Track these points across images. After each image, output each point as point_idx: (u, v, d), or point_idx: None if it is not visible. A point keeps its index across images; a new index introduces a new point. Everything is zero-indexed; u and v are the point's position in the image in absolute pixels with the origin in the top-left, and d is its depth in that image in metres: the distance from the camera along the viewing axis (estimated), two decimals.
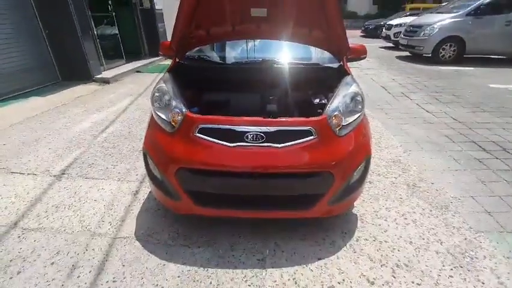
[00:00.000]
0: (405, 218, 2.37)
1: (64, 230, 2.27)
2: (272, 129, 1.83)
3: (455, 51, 8.64)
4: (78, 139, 3.87)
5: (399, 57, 10.11)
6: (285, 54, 2.73)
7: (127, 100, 5.53)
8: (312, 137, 1.85)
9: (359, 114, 2.04)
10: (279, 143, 1.83)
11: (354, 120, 2.00)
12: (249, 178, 1.83)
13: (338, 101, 2.02)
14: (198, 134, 1.87)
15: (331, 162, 1.83)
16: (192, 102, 2.31)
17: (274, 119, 1.85)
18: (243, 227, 2.26)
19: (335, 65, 2.50)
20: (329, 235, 2.20)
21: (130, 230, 2.27)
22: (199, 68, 2.59)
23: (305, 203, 1.95)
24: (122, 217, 2.42)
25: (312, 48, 2.75)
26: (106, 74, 7.22)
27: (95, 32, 7.05)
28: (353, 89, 2.12)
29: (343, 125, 1.94)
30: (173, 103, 2.01)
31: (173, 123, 1.95)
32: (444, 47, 8.64)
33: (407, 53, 10.53)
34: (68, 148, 3.62)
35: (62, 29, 6.26)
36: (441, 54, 8.75)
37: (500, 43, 8.29)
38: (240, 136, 1.83)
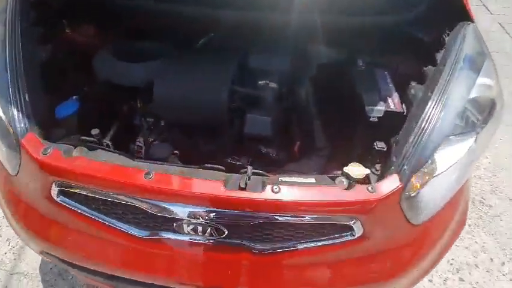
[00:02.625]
0: None
1: None
2: (250, 215, 0.70)
3: None
4: None
5: None
6: None
7: None
8: (351, 238, 0.73)
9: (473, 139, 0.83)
10: (264, 245, 0.74)
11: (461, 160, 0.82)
12: None
13: (447, 120, 0.78)
14: (60, 199, 0.75)
15: None
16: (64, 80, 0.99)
17: (262, 188, 0.69)
18: None
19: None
20: None
21: None
22: None
23: None
24: None
25: None
26: None
27: None
28: (484, 81, 0.82)
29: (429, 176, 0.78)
30: None
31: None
32: None
33: None
34: None
35: None
36: None
37: None
38: (167, 218, 0.72)
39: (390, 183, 0.71)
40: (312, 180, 0.72)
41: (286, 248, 0.75)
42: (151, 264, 0.77)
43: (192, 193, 0.67)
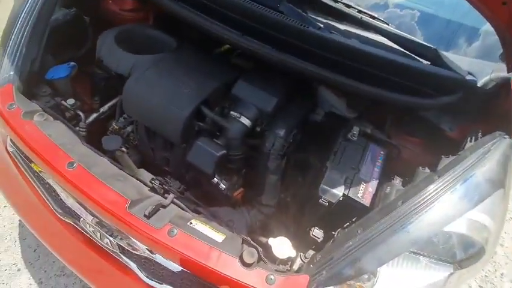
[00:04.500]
0: None
1: None
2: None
3: None
4: None
5: None
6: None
7: None
8: None
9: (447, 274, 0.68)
10: (150, 277, 0.71)
11: None
12: None
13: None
14: (11, 150, 0.83)
15: None
16: None
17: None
18: None
19: (483, 83, 0.79)
20: None
21: None
22: None
23: None
24: None
25: None
26: None
27: None
28: (479, 218, 0.64)
29: None
30: None
31: None
32: None
33: None
34: None
35: None
36: None
37: None
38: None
39: (294, 284, 0.61)
40: (220, 239, 0.65)
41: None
42: (59, 240, 0.81)
43: (97, 201, 0.66)
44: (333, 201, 0.72)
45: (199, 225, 0.68)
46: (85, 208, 0.71)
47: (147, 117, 0.86)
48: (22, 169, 0.83)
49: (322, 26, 0.81)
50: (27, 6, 0.88)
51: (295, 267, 0.71)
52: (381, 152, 0.84)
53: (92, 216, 0.70)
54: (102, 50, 0.95)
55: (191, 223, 0.67)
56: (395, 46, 0.81)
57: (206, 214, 0.76)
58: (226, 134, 0.83)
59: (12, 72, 0.82)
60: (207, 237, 0.65)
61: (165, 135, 0.86)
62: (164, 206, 0.69)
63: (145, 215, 0.65)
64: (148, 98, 0.83)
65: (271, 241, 0.72)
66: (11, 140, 0.81)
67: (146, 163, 0.96)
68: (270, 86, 0.89)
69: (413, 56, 0.80)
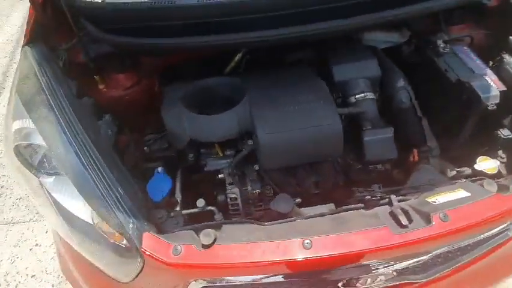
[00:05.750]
0: None
1: None
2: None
3: None
4: None
5: None
6: None
7: None
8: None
9: None
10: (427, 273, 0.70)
11: None
12: None
13: None
14: None
15: None
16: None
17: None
18: None
19: None
20: None
21: None
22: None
23: None
24: None
25: None
26: None
27: None
28: None
29: None
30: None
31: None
32: None
33: None
34: None
35: None
36: None
37: None
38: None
39: None
40: (465, 193, 0.67)
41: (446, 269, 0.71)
42: None
43: (363, 251, 0.59)
44: (498, 101, 0.78)
45: (439, 197, 0.68)
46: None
47: (296, 155, 0.77)
48: None
49: None
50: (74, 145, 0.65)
51: (504, 171, 0.78)
52: (466, 48, 0.93)
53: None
54: (191, 131, 0.78)
55: (434, 202, 0.66)
56: None
57: (410, 191, 0.75)
58: (366, 117, 0.81)
59: (134, 220, 0.62)
60: (461, 200, 0.65)
61: (322, 158, 0.79)
62: (405, 210, 0.65)
63: (404, 226, 0.61)
64: (291, 136, 0.73)
65: (478, 166, 0.76)
66: (204, 281, 0.63)
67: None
68: (358, 53, 0.88)
69: None
